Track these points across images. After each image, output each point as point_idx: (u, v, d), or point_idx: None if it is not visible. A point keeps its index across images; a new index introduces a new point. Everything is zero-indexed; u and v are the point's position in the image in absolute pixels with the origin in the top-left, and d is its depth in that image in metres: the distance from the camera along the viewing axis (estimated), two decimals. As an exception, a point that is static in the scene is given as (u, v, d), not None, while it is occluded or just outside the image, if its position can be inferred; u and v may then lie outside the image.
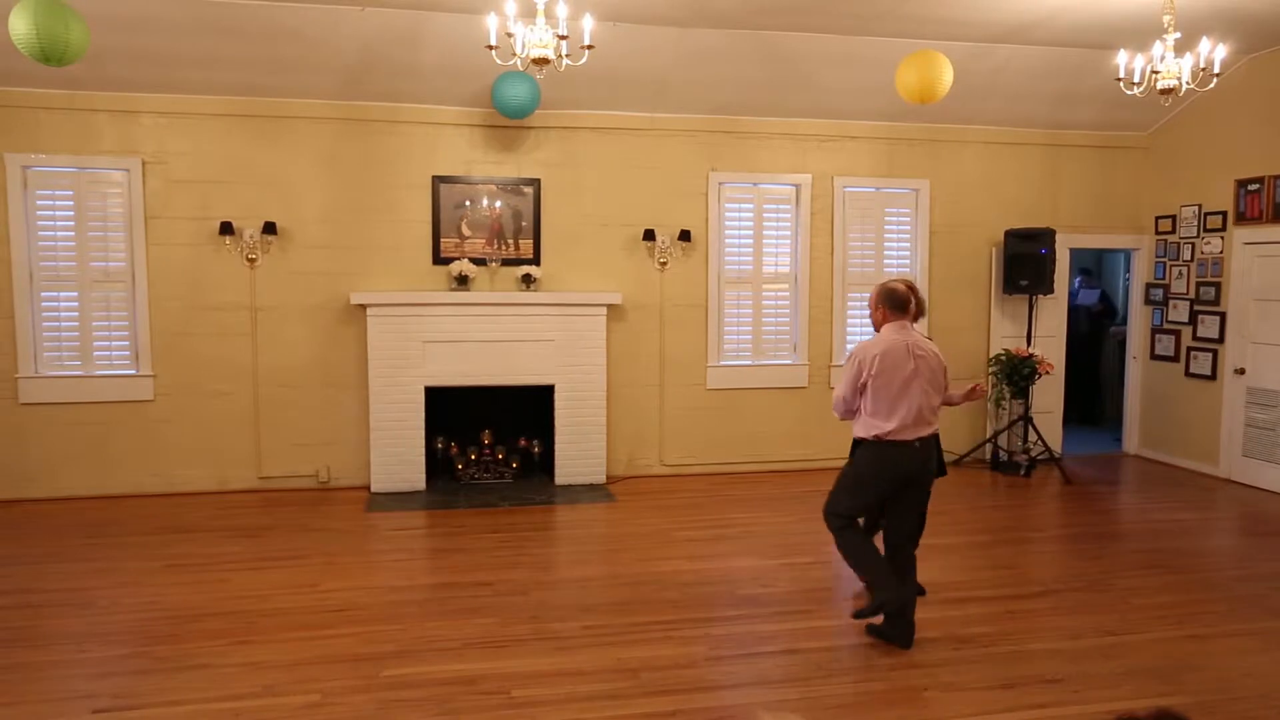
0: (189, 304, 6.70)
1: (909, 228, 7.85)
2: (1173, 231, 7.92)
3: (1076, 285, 9.88)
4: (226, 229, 6.63)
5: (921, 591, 4.44)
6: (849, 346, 7.71)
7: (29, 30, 4.51)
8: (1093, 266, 10.08)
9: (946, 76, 5.57)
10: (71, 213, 6.56)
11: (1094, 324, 9.76)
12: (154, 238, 6.62)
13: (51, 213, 6.55)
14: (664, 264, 7.34)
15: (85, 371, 6.65)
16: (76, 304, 6.61)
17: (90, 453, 6.64)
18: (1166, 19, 5.08)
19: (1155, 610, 4.60)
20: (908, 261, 7.84)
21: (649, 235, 7.23)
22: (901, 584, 4.12)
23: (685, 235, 7.29)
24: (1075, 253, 8.34)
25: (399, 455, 6.81)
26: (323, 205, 6.83)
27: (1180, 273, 7.84)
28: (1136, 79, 5.29)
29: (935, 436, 4.23)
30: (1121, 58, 5.31)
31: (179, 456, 6.76)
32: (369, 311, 6.72)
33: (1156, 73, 5.15)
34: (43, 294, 6.56)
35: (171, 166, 6.61)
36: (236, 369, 6.79)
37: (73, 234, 6.56)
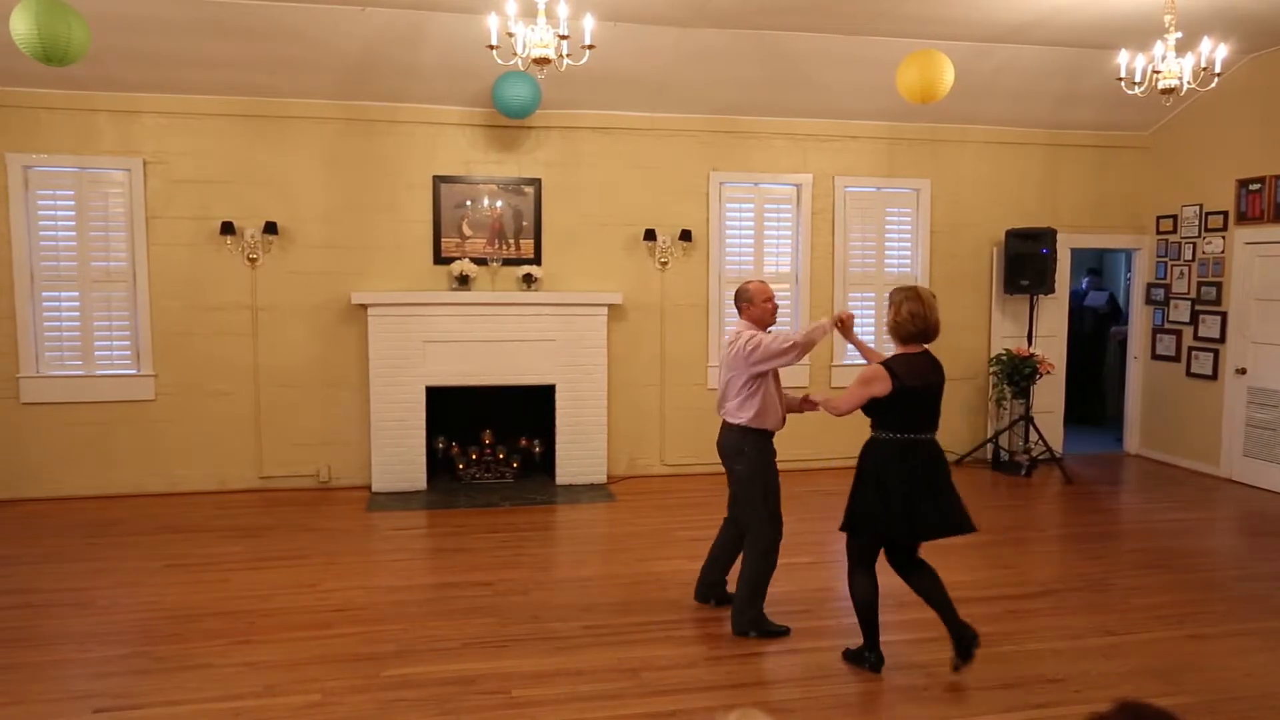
0: (190, 304, 6.70)
1: (910, 227, 7.84)
2: (1174, 231, 7.91)
3: (1085, 285, 9.87)
4: (228, 229, 6.64)
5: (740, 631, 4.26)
6: (850, 348, 7.64)
7: (30, 30, 4.51)
8: (1097, 266, 10.08)
9: (947, 76, 5.57)
10: (73, 213, 6.57)
11: (1099, 325, 9.75)
12: (155, 238, 6.63)
13: (53, 213, 6.56)
14: (665, 264, 7.34)
15: (86, 371, 6.65)
16: (78, 304, 6.62)
17: (91, 452, 6.65)
18: (1167, 19, 5.07)
19: (1156, 610, 4.60)
20: (908, 261, 7.84)
21: (650, 235, 7.23)
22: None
23: (686, 235, 7.29)
24: (1077, 252, 8.33)
25: (400, 455, 6.81)
26: (323, 205, 6.84)
27: (1181, 272, 7.83)
28: (1138, 79, 5.28)
29: (733, 428, 4.25)
30: (1123, 57, 5.31)
31: (179, 456, 6.77)
32: (370, 311, 6.73)
33: (1158, 72, 5.15)
34: (44, 294, 6.57)
35: (172, 166, 6.62)
36: (237, 369, 6.79)
37: (74, 234, 6.57)
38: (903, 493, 3.74)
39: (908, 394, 3.74)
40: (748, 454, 4.20)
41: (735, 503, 4.37)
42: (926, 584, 3.91)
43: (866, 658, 3.92)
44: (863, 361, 4.21)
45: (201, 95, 6.56)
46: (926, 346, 3.88)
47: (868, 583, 3.91)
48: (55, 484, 6.60)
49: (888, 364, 3.79)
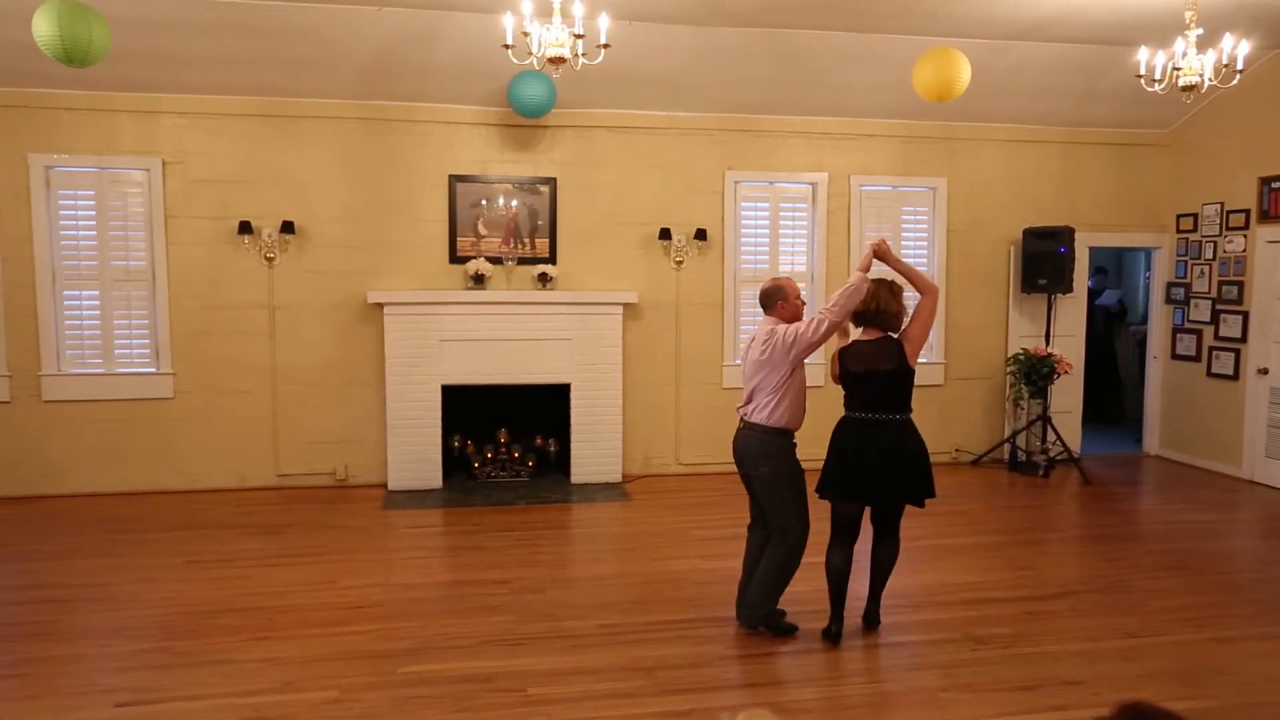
0: (208, 303, 6.75)
1: (926, 226, 7.80)
2: (1194, 230, 7.83)
3: (1092, 284, 9.80)
4: (245, 228, 6.68)
5: (766, 623, 4.25)
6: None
7: (52, 32, 4.57)
8: (1110, 265, 9.99)
9: (964, 74, 5.53)
10: (93, 212, 6.63)
11: (1109, 325, 9.68)
12: (174, 237, 6.68)
13: (74, 212, 6.62)
14: (680, 263, 7.34)
15: (106, 369, 6.72)
16: (98, 303, 6.68)
17: (111, 450, 6.71)
18: (1188, 15, 5.03)
19: (1177, 612, 4.55)
20: (925, 260, 7.80)
21: (665, 234, 7.22)
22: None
23: (701, 234, 7.28)
24: (1096, 251, 8.26)
25: (416, 453, 6.84)
26: (340, 204, 6.87)
27: (1202, 271, 7.76)
28: (1158, 76, 5.23)
29: (758, 428, 4.11)
30: (1142, 54, 5.26)
31: (198, 454, 6.82)
32: (386, 310, 6.75)
33: (1178, 69, 5.11)
34: (65, 293, 6.64)
35: (191, 166, 6.67)
36: (255, 367, 6.84)
37: (94, 233, 6.63)
38: (845, 464, 4.08)
39: (850, 377, 4.10)
40: (776, 455, 4.11)
41: (763, 505, 4.23)
42: (883, 556, 4.27)
43: (829, 630, 4.16)
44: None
45: (219, 95, 6.61)
46: (891, 334, 4.11)
47: (839, 556, 4.17)
48: (76, 481, 6.66)
49: (841, 348, 4.18)
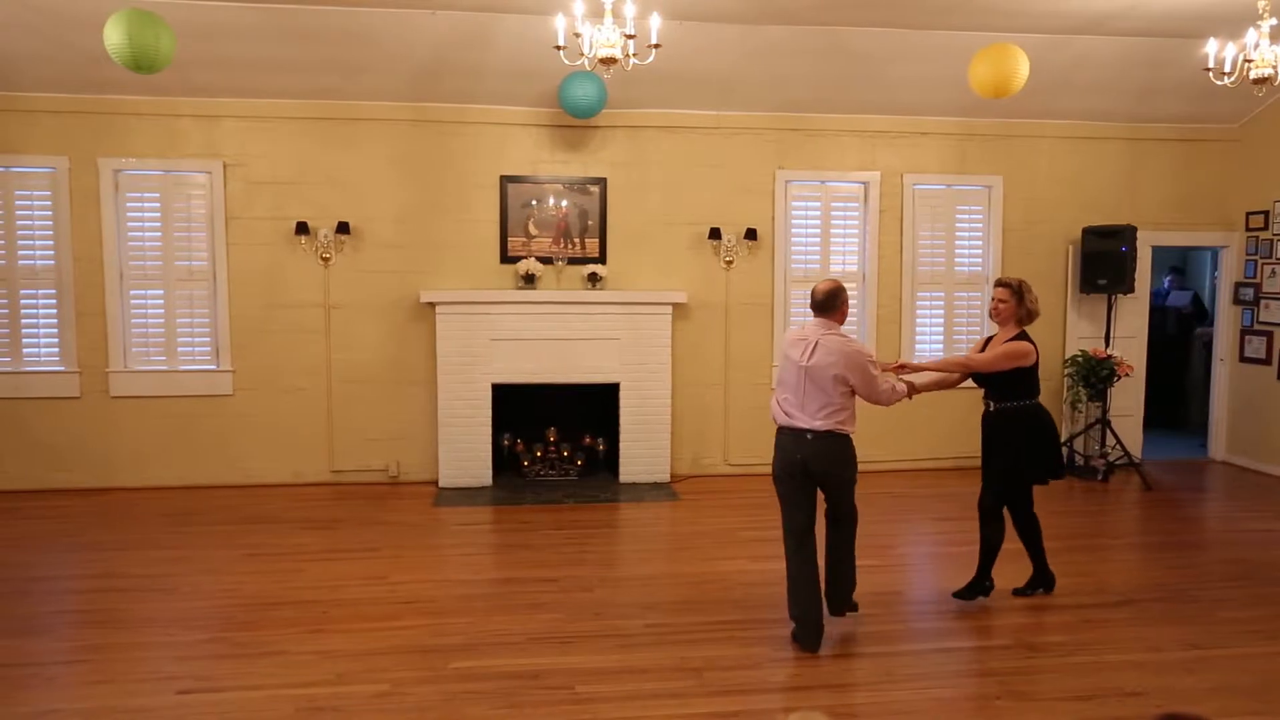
0: (266, 302, 6.91)
1: (981, 226, 7.65)
2: (1265, 227, 7.55)
3: (1166, 285, 9.53)
4: (302, 229, 6.83)
5: (854, 608, 4.35)
6: (918, 346, 7.57)
7: (123, 41, 4.74)
8: (1180, 265, 9.70)
9: (1022, 70, 5.42)
10: (158, 214, 6.84)
11: (1182, 326, 9.38)
12: (234, 238, 6.86)
13: (140, 214, 6.84)
14: (730, 263, 7.30)
15: (170, 366, 6.92)
16: (162, 302, 6.89)
17: (174, 444, 6.91)
18: (1261, 4, 4.86)
19: (1245, 624, 4.40)
20: (980, 260, 7.65)
21: (715, 234, 7.20)
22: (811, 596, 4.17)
23: (751, 234, 7.24)
24: (1160, 251, 8.02)
25: (466, 451, 6.91)
26: (394, 205, 6.98)
27: (1273, 271, 7.48)
28: (1227, 68, 5.06)
29: (837, 437, 4.08)
30: (1211, 46, 5.09)
31: (256, 449, 6.98)
32: (438, 309, 6.85)
33: (1250, 61, 4.93)
34: (132, 292, 6.86)
35: (250, 169, 6.84)
36: (311, 365, 6.98)
37: (159, 234, 6.84)
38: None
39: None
40: (853, 458, 4.23)
41: (838, 500, 4.25)
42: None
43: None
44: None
45: (277, 99, 6.77)
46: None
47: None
48: (141, 474, 6.88)
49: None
